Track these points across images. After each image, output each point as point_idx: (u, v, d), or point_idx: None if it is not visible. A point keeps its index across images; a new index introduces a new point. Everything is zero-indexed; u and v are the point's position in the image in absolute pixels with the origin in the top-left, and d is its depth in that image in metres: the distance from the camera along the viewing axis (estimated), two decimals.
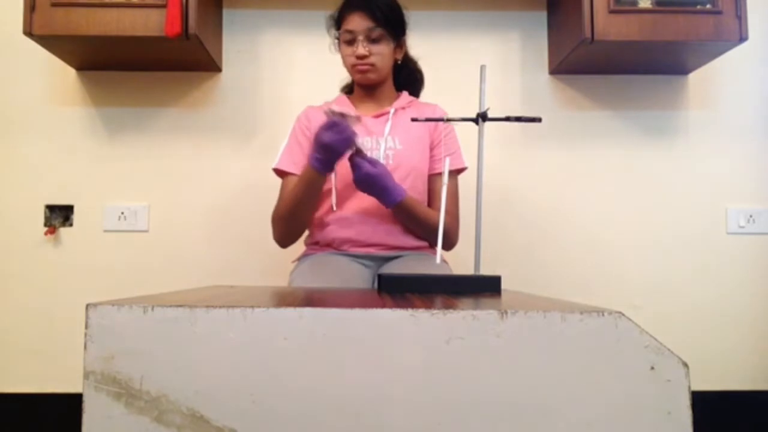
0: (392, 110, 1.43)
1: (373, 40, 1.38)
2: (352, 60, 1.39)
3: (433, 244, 1.44)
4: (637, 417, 0.56)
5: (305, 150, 1.41)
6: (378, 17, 1.36)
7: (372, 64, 1.39)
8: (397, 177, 1.35)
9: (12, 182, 1.85)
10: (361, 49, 1.37)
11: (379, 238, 1.39)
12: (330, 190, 1.39)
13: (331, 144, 1.21)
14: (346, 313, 0.57)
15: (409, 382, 0.56)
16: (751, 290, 1.89)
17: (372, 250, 1.40)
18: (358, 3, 1.38)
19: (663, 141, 1.92)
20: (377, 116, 1.44)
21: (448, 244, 1.46)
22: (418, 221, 1.37)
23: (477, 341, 0.56)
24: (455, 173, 1.47)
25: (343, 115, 1.21)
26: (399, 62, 1.47)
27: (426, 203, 1.45)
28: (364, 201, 1.38)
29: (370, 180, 1.26)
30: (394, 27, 1.40)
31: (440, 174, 1.41)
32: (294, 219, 1.38)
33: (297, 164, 1.40)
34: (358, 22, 1.37)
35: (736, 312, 1.89)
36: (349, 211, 1.39)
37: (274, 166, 1.43)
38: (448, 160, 1.01)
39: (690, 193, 1.91)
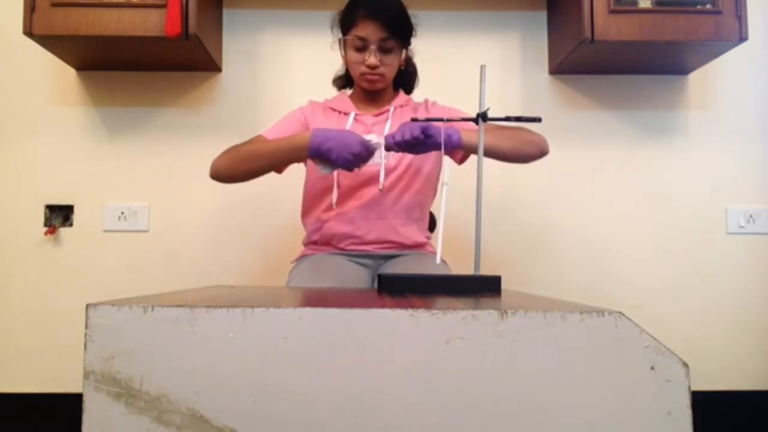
0: (392, 108, 1.43)
1: (385, 51, 1.34)
2: (362, 68, 1.35)
3: (525, 155, 1.33)
4: (637, 417, 0.56)
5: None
6: (392, 28, 1.33)
7: (382, 74, 1.36)
8: (395, 175, 1.36)
9: (12, 182, 1.85)
10: (373, 59, 1.33)
11: (378, 234, 1.38)
12: (330, 188, 1.38)
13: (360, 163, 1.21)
14: (346, 313, 0.56)
15: (409, 382, 0.56)
16: (751, 290, 1.89)
17: (371, 249, 1.39)
18: (372, 11, 1.32)
19: (663, 141, 1.92)
20: (377, 115, 1.44)
21: (540, 151, 1.34)
22: (498, 141, 1.26)
23: (477, 341, 0.56)
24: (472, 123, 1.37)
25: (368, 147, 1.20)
26: (402, 67, 1.44)
27: (426, 202, 1.44)
28: (363, 198, 1.37)
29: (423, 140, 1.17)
30: (405, 37, 1.38)
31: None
32: (251, 163, 1.32)
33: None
34: (371, 31, 1.32)
35: (736, 312, 1.89)
36: (348, 208, 1.38)
37: (259, 133, 1.39)
38: (448, 159, 0.99)
39: (690, 193, 1.91)
